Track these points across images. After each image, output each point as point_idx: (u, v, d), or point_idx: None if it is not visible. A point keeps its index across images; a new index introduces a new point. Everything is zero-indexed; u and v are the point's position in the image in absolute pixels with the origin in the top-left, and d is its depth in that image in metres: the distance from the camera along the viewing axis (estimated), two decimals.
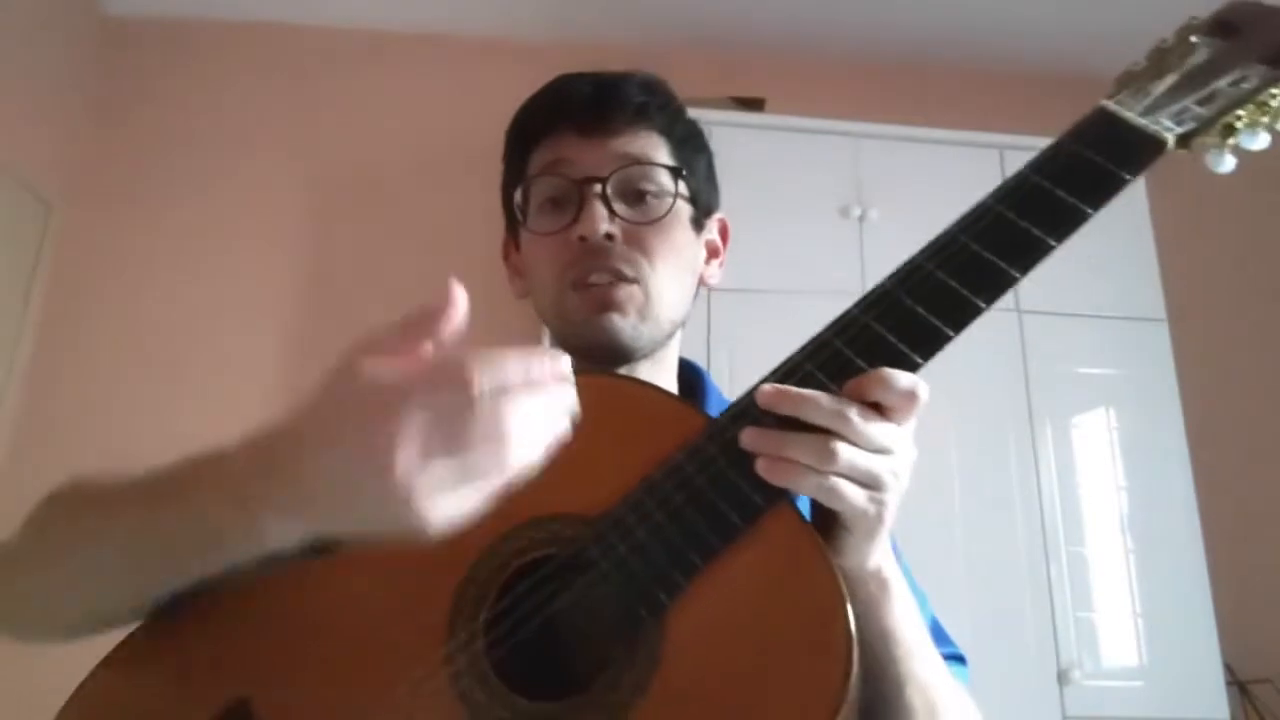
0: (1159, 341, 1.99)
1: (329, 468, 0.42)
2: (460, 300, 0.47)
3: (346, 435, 0.42)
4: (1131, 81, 0.61)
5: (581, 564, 0.51)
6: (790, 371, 0.54)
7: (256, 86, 2.43)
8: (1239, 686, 1.94)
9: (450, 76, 2.45)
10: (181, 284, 2.24)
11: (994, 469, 1.87)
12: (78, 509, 0.57)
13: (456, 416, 0.41)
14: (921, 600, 0.70)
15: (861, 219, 1.99)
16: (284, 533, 0.45)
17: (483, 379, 0.42)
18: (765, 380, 0.54)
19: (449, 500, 0.42)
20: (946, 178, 2.05)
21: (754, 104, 2.18)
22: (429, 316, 0.46)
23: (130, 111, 2.37)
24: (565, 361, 0.46)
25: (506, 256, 0.82)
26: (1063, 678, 1.73)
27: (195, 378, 2.17)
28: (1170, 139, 0.55)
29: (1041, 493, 1.86)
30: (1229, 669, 1.88)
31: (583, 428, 0.55)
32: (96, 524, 0.54)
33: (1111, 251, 1.93)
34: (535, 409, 0.43)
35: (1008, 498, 1.85)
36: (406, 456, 0.40)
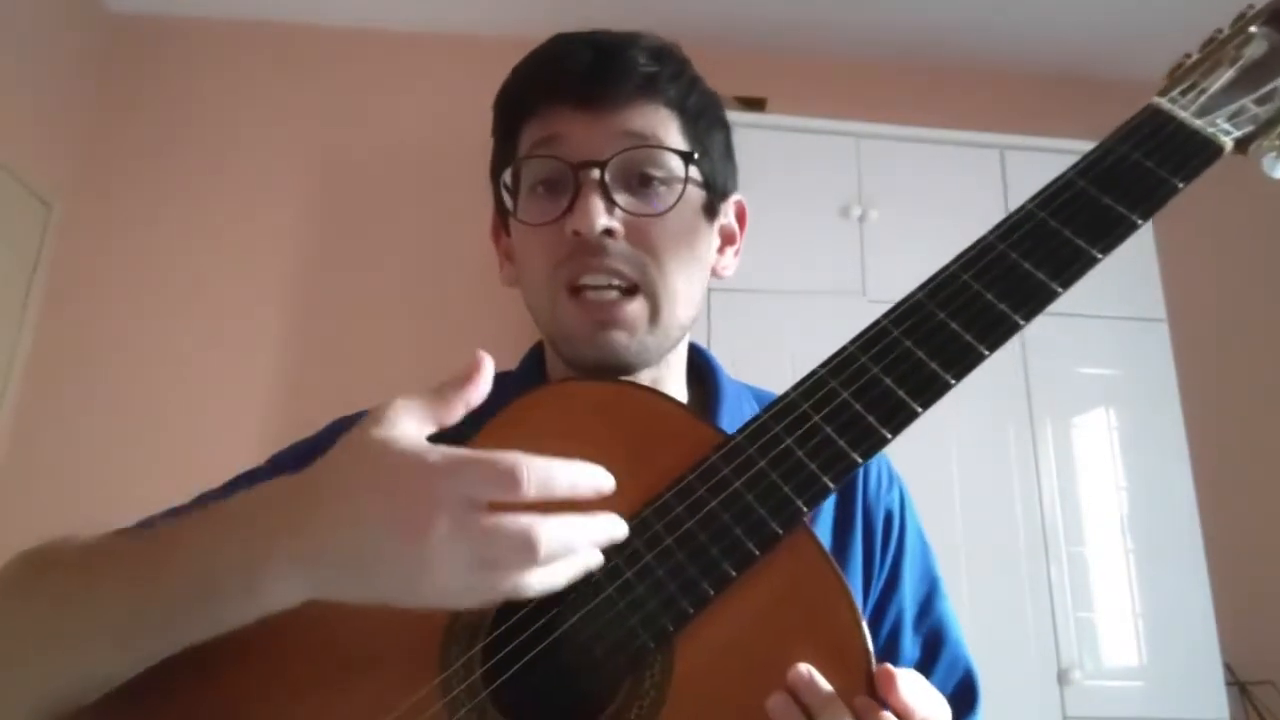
0: (1159, 341, 1.99)
1: (357, 529, 0.41)
2: (487, 372, 0.47)
3: (383, 502, 0.41)
4: (1184, 76, 0.55)
5: (585, 587, 0.48)
6: (819, 383, 0.50)
7: (257, 85, 2.43)
8: (1239, 686, 1.94)
9: (451, 76, 2.44)
10: (182, 282, 2.24)
11: (994, 469, 1.87)
12: (43, 581, 0.51)
13: (498, 515, 0.41)
14: (935, 584, 0.68)
15: (861, 219, 1.99)
16: (285, 592, 0.43)
17: (531, 486, 0.41)
18: (787, 392, 0.51)
19: (459, 579, 0.41)
20: (947, 178, 2.05)
21: (755, 104, 2.18)
22: (460, 384, 0.46)
23: (131, 110, 2.38)
24: (609, 481, 0.45)
25: (496, 239, 0.72)
26: (1063, 678, 1.73)
27: (196, 376, 2.17)
28: (1228, 143, 0.51)
29: (1041, 493, 1.86)
30: (1229, 669, 1.88)
31: (588, 440, 0.52)
32: (60, 593, 0.49)
33: None
34: (572, 533, 0.42)
35: (1008, 498, 1.85)
36: (439, 533, 0.40)
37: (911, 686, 0.45)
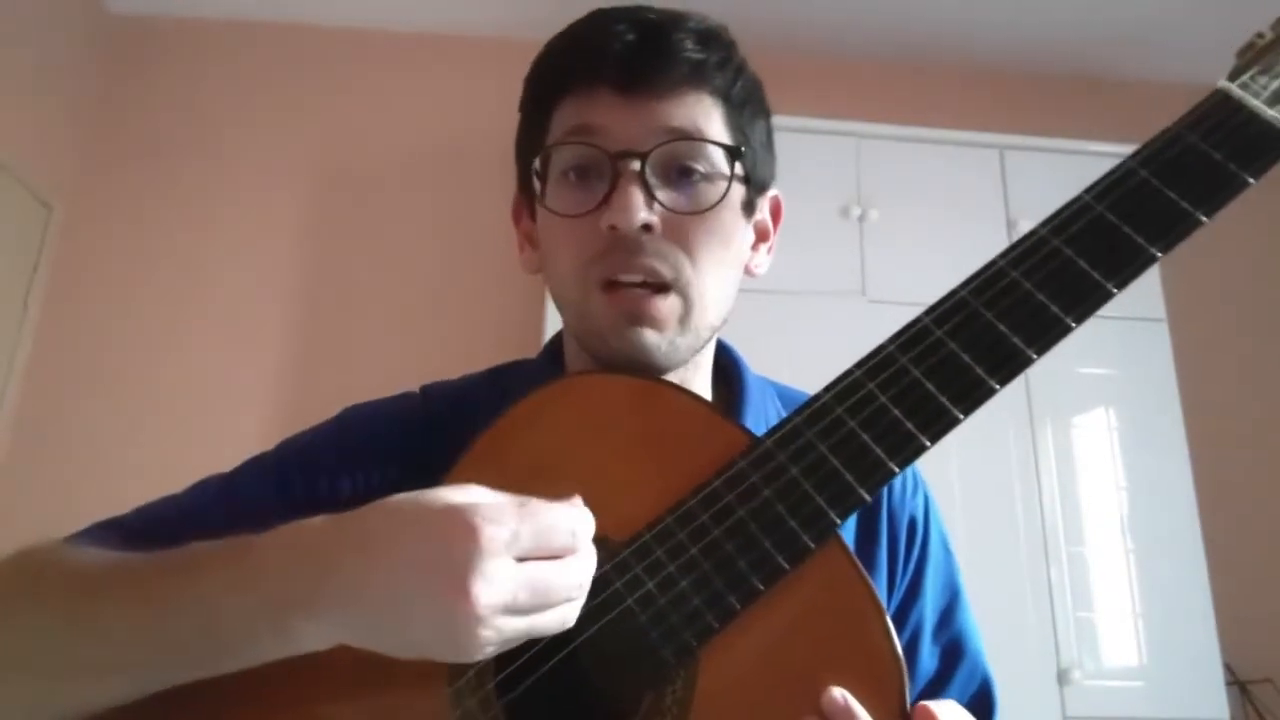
0: (1159, 341, 1.99)
1: (396, 577, 0.40)
2: (587, 524, 0.45)
3: (426, 551, 0.40)
4: (1256, 58, 0.51)
5: (603, 596, 0.46)
6: (855, 385, 0.48)
7: (258, 85, 2.43)
8: (1239, 686, 1.94)
9: (450, 76, 2.45)
10: (181, 283, 2.24)
11: (994, 469, 1.87)
12: (45, 595, 0.48)
13: (556, 573, 0.41)
14: (957, 593, 0.67)
15: (861, 219, 1.99)
16: (318, 637, 0.41)
17: (581, 543, 0.42)
18: (820, 394, 0.48)
19: (500, 631, 0.40)
20: (946, 178, 2.05)
21: None
22: (550, 509, 0.44)
23: (131, 111, 2.37)
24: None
25: (516, 220, 0.67)
26: (1063, 678, 1.73)
27: (197, 377, 2.17)
28: None
29: (1041, 493, 1.86)
30: (1229, 669, 1.88)
31: (607, 437, 0.50)
32: (73, 618, 0.46)
33: None
34: (592, 564, 0.43)
35: (1008, 498, 1.85)
36: (482, 590, 0.38)
37: None
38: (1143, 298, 2.01)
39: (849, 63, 2.55)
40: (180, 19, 2.43)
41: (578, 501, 0.44)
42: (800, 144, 2.03)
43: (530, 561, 0.40)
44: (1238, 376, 2.35)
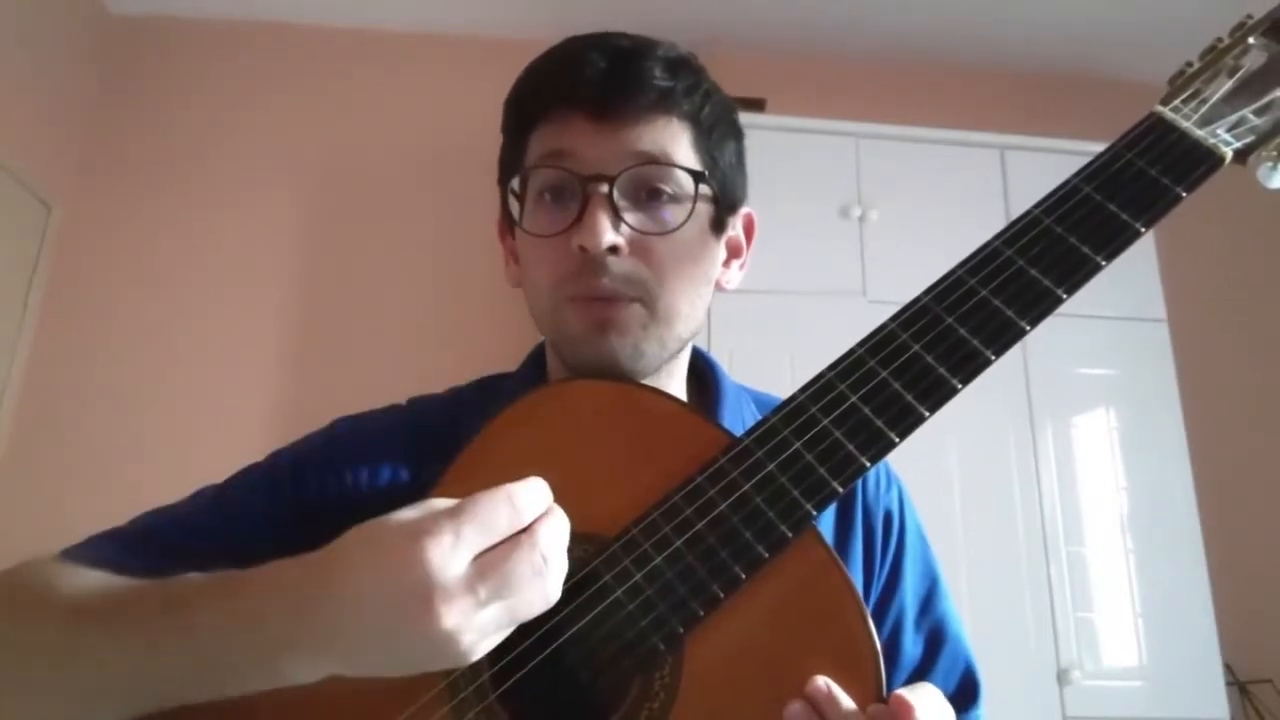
0: (1159, 341, 1.99)
1: (362, 613, 0.40)
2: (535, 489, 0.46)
3: (380, 582, 0.40)
4: (1186, 84, 0.56)
5: (593, 588, 0.48)
6: (827, 386, 0.51)
7: (257, 86, 2.43)
8: (1239, 686, 1.94)
9: (450, 76, 2.45)
10: (181, 283, 2.24)
11: (994, 469, 1.87)
12: (44, 619, 0.49)
13: (509, 558, 0.41)
14: (936, 581, 0.69)
15: (861, 219, 1.99)
16: (311, 671, 0.43)
17: (525, 508, 0.43)
18: (795, 395, 0.51)
19: (484, 627, 0.41)
20: (946, 178, 2.05)
21: (754, 104, 2.18)
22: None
23: (131, 111, 2.37)
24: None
25: (502, 237, 0.71)
26: (1063, 678, 1.73)
27: (194, 377, 2.17)
28: (1229, 154, 0.52)
29: (1041, 493, 1.86)
30: (1229, 669, 1.88)
31: (592, 439, 0.53)
32: (69, 646, 0.47)
33: None
34: (560, 528, 0.44)
35: (1008, 498, 1.85)
36: (449, 599, 0.39)
37: (926, 713, 0.45)
38: (1143, 298, 2.01)
39: (849, 63, 2.55)
40: (180, 19, 2.43)
41: (530, 481, 0.44)
42: (800, 144, 2.03)
43: (485, 555, 0.41)
44: (1238, 376, 2.35)
